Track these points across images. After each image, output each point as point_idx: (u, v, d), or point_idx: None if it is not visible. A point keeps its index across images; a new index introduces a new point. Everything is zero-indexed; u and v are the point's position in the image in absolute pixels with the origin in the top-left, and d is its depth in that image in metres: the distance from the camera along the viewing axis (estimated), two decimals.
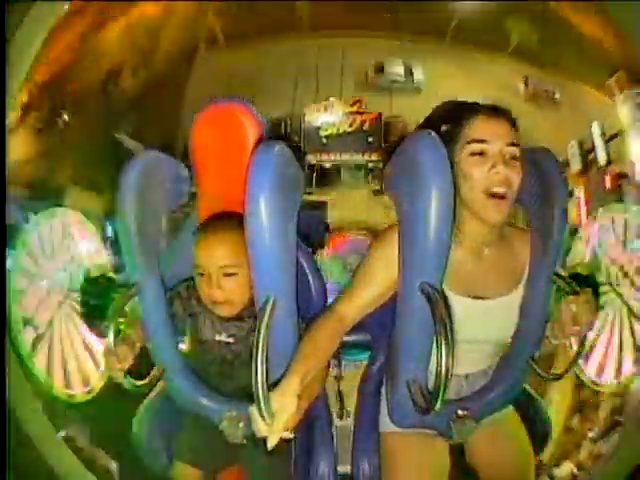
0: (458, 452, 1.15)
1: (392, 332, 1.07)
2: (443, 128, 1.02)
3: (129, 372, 1.04)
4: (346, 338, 1.04)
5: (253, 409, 0.82)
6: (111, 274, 1.57)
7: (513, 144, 0.95)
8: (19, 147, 1.43)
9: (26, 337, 1.32)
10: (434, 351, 0.93)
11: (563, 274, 1.08)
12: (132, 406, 1.26)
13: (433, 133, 0.93)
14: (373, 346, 1.25)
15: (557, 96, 2.87)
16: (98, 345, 1.50)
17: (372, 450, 1.18)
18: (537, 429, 1.23)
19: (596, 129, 1.85)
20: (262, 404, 0.80)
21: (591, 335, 1.43)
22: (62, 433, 1.22)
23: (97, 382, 1.48)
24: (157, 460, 1.21)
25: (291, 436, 0.86)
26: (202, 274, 1.08)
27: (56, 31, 1.55)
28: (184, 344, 1.29)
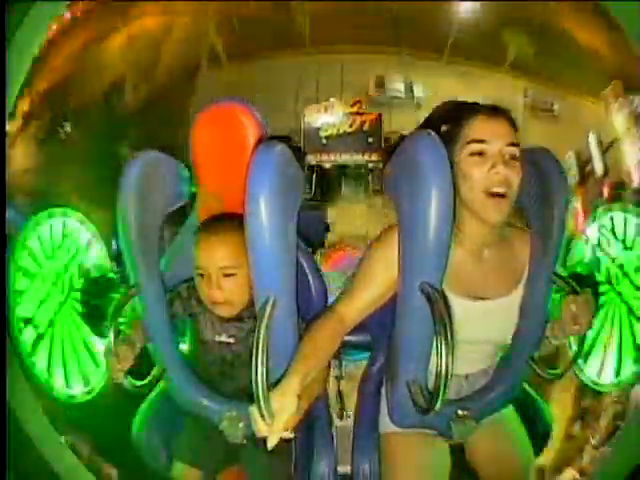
0: (458, 452, 1.15)
1: (392, 332, 1.07)
2: (443, 128, 1.02)
3: (129, 372, 1.04)
4: (346, 338, 1.04)
5: (253, 409, 0.82)
6: (111, 274, 1.58)
7: (513, 144, 0.95)
8: (20, 156, 1.44)
9: (26, 337, 1.32)
10: (434, 351, 0.93)
11: (563, 274, 1.08)
12: (132, 406, 1.26)
13: (433, 133, 0.93)
14: (373, 346, 1.25)
15: (555, 107, 2.88)
16: (98, 345, 1.51)
17: (372, 450, 1.18)
18: (537, 429, 1.23)
19: (593, 140, 1.86)
20: (262, 404, 0.80)
21: (591, 335, 1.43)
22: (62, 439, 1.22)
23: (97, 382, 1.48)
24: (157, 460, 1.21)
25: (291, 436, 0.85)
26: (202, 275, 1.09)
27: (57, 39, 1.56)
28: (184, 344, 1.30)
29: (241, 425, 1.07)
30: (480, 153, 0.95)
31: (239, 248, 1.02)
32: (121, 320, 1.08)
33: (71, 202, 1.53)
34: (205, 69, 3.08)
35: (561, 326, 1.00)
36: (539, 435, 1.23)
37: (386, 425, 1.14)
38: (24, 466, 1.07)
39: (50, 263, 1.43)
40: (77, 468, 1.17)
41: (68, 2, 1.18)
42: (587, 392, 1.50)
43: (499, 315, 1.04)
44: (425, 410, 0.95)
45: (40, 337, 1.36)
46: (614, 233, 1.50)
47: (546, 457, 1.30)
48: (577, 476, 1.33)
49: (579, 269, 1.55)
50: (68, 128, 1.74)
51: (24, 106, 1.45)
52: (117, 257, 1.23)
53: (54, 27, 1.52)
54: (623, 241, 1.47)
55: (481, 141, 0.95)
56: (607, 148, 1.79)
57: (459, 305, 1.01)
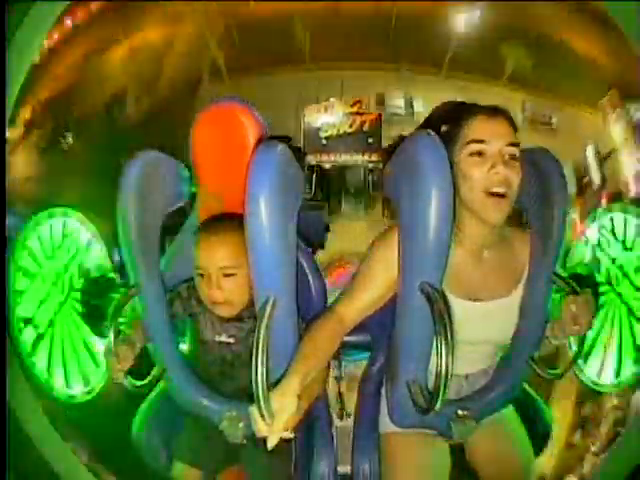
0: (458, 452, 1.15)
1: (392, 332, 1.07)
2: (443, 128, 1.02)
3: (129, 372, 1.04)
4: (346, 339, 1.04)
5: (253, 409, 0.82)
6: (111, 274, 1.58)
7: (512, 144, 0.95)
8: (21, 164, 1.44)
9: (26, 337, 1.32)
10: (434, 351, 0.93)
11: (563, 274, 1.08)
12: (132, 406, 1.26)
13: (433, 133, 0.94)
14: (373, 346, 1.25)
15: (554, 120, 2.90)
16: (98, 345, 1.51)
17: (372, 450, 1.18)
18: (537, 429, 1.23)
19: (590, 152, 1.87)
20: (262, 404, 0.80)
21: (591, 335, 1.43)
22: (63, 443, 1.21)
23: (97, 382, 1.48)
24: (157, 460, 1.21)
25: (291, 436, 0.86)
26: (202, 275, 1.09)
27: (59, 47, 1.56)
28: (184, 344, 1.30)
29: (241, 425, 1.07)
30: (480, 153, 0.95)
31: (239, 248, 1.02)
32: (121, 320, 1.08)
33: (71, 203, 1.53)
34: (207, 83, 3.10)
35: (561, 326, 1.00)
36: (539, 435, 1.23)
37: (386, 425, 1.14)
38: (24, 466, 1.07)
39: (50, 263, 1.43)
40: (77, 468, 1.17)
41: (68, 2, 1.18)
42: (588, 399, 1.50)
43: (499, 315, 1.04)
44: (425, 410, 0.95)
45: (40, 337, 1.36)
46: (614, 234, 1.50)
47: (547, 465, 1.30)
48: None
49: (579, 269, 1.55)
50: (70, 139, 1.74)
51: (26, 114, 1.46)
52: (120, 269, 1.23)
53: (55, 35, 1.53)
54: (623, 242, 1.47)
55: (481, 141, 0.95)
56: (605, 159, 1.80)
57: (459, 306, 1.01)
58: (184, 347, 1.29)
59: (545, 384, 1.32)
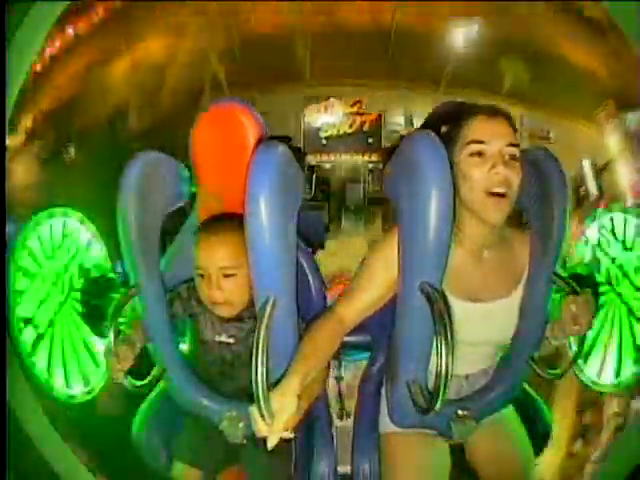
0: (458, 452, 1.15)
1: (392, 332, 1.07)
2: (443, 129, 1.02)
3: (129, 372, 1.04)
4: (346, 339, 1.04)
5: (253, 409, 0.82)
6: (111, 274, 1.58)
7: (512, 144, 0.95)
8: (22, 172, 1.45)
9: (26, 337, 1.32)
10: (434, 351, 0.93)
11: (563, 274, 1.08)
12: (132, 406, 1.26)
13: (432, 133, 0.94)
14: (373, 347, 1.25)
15: (552, 135, 2.92)
16: (98, 345, 1.51)
17: (372, 450, 1.18)
18: (537, 429, 1.23)
19: (587, 165, 1.88)
20: (262, 404, 0.80)
21: (591, 335, 1.43)
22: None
23: (97, 382, 1.48)
24: (157, 460, 1.21)
25: (291, 436, 0.86)
26: (202, 275, 1.09)
27: (61, 56, 1.56)
28: (184, 344, 1.29)
29: (241, 425, 1.07)
30: (480, 153, 0.95)
31: (239, 248, 1.02)
32: (121, 320, 1.08)
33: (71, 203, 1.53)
34: (208, 96, 3.12)
35: (561, 326, 1.00)
36: (539, 435, 1.23)
37: (386, 425, 1.14)
38: (24, 466, 1.07)
39: (50, 263, 1.42)
40: (77, 468, 1.17)
41: (68, 2, 1.18)
42: (588, 407, 1.50)
43: (499, 316, 1.04)
44: (425, 410, 0.95)
45: (40, 337, 1.36)
46: (614, 234, 1.50)
47: (548, 475, 1.30)
48: None
49: (579, 269, 1.55)
50: (72, 151, 1.75)
51: (27, 122, 1.46)
52: (124, 283, 1.24)
53: (57, 43, 1.53)
54: (623, 242, 1.47)
55: (481, 142, 0.95)
56: (602, 170, 1.81)
57: (459, 306, 1.01)
58: (184, 347, 1.29)
59: (545, 384, 1.32)
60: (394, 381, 1.06)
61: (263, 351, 0.83)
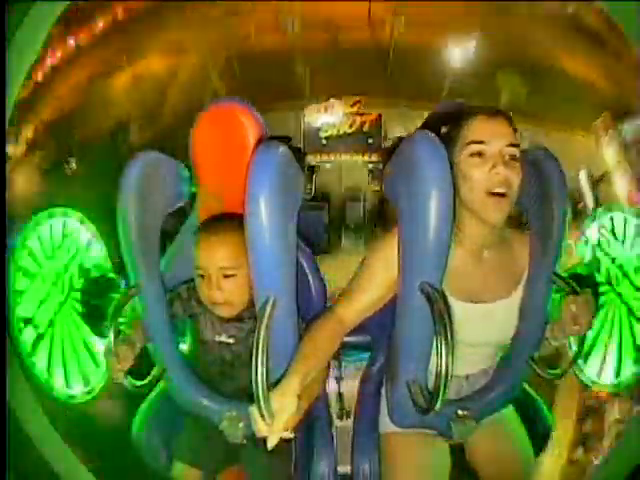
0: (458, 452, 1.15)
1: (392, 333, 1.07)
2: (443, 129, 1.02)
3: (129, 372, 1.04)
4: (346, 339, 1.04)
5: (253, 409, 0.82)
6: (111, 274, 1.58)
7: (512, 144, 0.95)
8: (23, 182, 1.45)
9: (26, 337, 1.32)
10: (434, 351, 0.93)
11: (563, 274, 1.08)
12: (132, 406, 1.26)
13: (432, 133, 0.94)
14: (373, 347, 1.25)
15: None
16: (98, 345, 1.51)
17: (372, 450, 1.18)
18: (537, 429, 1.23)
19: (583, 177, 1.89)
20: (262, 404, 0.80)
21: (591, 335, 1.43)
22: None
23: (97, 382, 1.48)
24: (157, 460, 1.21)
25: (291, 436, 0.86)
26: (202, 275, 1.09)
27: (62, 67, 1.57)
28: (184, 344, 1.30)
29: (241, 425, 1.07)
30: (480, 154, 0.95)
31: (239, 248, 1.02)
32: (121, 320, 1.08)
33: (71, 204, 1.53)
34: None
35: (561, 326, 1.00)
36: (539, 435, 1.23)
37: (386, 425, 1.14)
38: (24, 466, 1.06)
39: (50, 263, 1.43)
40: (77, 468, 1.17)
41: (68, 2, 1.18)
42: (589, 415, 1.50)
43: (499, 317, 1.04)
44: (425, 410, 0.95)
45: (40, 337, 1.36)
46: (614, 234, 1.51)
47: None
48: None
49: (579, 269, 1.55)
50: (74, 164, 1.75)
51: (28, 133, 1.47)
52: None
53: (59, 54, 1.54)
54: (623, 242, 1.47)
55: (481, 142, 0.95)
56: (598, 181, 1.82)
57: (459, 307, 1.01)
58: (184, 347, 1.29)
59: (545, 384, 1.32)
60: (394, 381, 1.06)
61: (263, 351, 0.83)
